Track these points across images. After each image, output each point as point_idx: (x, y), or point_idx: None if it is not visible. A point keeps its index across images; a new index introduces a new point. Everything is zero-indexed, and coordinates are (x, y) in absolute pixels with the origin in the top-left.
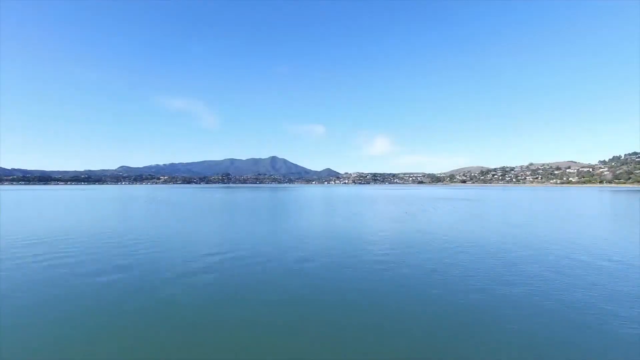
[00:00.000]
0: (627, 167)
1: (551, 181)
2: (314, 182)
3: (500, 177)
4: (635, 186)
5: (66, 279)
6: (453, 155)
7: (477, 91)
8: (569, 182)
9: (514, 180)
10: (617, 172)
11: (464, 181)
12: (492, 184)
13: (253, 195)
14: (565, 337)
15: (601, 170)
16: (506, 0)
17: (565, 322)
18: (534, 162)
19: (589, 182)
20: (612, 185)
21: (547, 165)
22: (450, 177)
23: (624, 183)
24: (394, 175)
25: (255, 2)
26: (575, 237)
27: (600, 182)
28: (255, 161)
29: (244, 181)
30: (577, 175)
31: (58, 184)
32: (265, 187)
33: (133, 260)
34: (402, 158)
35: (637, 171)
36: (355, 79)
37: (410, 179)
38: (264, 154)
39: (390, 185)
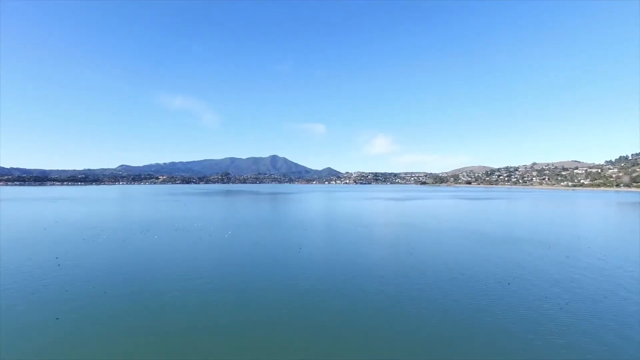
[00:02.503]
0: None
1: (561, 183)
2: (314, 182)
3: (505, 178)
4: None
5: None
6: (454, 154)
7: (478, 90)
8: (582, 185)
9: (520, 181)
10: (634, 174)
11: (468, 182)
12: (497, 185)
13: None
14: None
15: (611, 171)
16: (508, 0)
17: None
18: (537, 161)
19: (603, 185)
20: (632, 189)
21: (552, 165)
22: (454, 178)
23: None
24: (395, 175)
25: (256, 1)
26: None
27: (617, 185)
28: (256, 160)
29: (244, 180)
30: (587, 177)
31: (54, 185)
32: (265, 187)
33: None
34: (403, 157)
35: None
36: (356, 77)
37: (412, 178)
38: (264, 152)
39: (392, 185)
